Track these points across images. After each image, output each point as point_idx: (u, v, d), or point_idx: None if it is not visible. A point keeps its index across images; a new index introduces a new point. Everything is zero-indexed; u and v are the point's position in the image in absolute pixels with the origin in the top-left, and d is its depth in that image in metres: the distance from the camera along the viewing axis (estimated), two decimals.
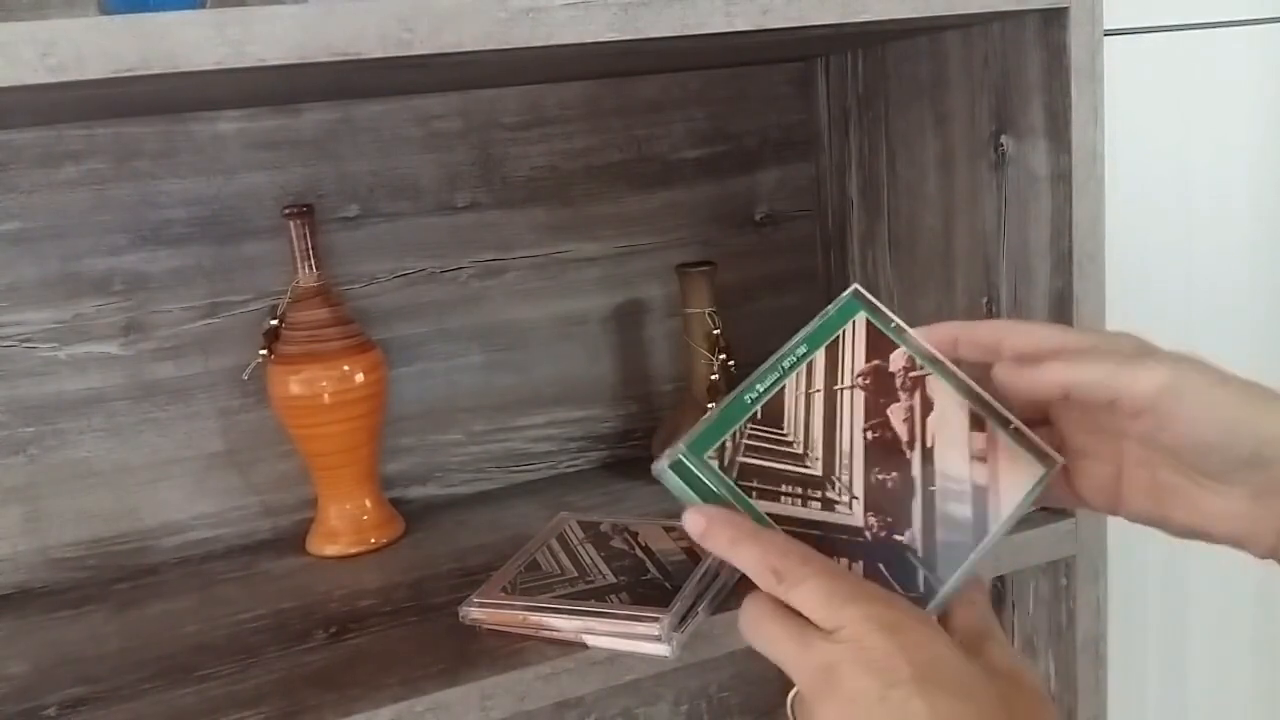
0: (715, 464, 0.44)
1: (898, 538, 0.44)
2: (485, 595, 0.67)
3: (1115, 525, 0.73)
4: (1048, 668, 0.80)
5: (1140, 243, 1.08)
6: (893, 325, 0.50)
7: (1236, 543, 0.46)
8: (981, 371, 0.51)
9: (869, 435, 0.46)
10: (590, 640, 0.63)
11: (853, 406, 0.47)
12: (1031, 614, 0.81)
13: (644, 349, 0.97)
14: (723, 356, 0.85)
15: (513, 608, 0.65)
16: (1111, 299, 0.71)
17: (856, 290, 0.50)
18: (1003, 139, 0.74)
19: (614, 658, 0.63)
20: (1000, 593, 0.83)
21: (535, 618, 0.64)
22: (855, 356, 0.48)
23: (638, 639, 0.62)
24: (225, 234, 0.82)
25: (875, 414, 0.47)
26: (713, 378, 0.85)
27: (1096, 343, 0.47)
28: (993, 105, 0.75)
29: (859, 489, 0.45)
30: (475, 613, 0.66)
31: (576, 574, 0.69)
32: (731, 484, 0.44)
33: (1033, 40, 0.70)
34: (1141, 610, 1.17)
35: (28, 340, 0.79)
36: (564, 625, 0.64)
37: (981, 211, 0.77)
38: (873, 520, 0.45)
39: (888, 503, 0.45)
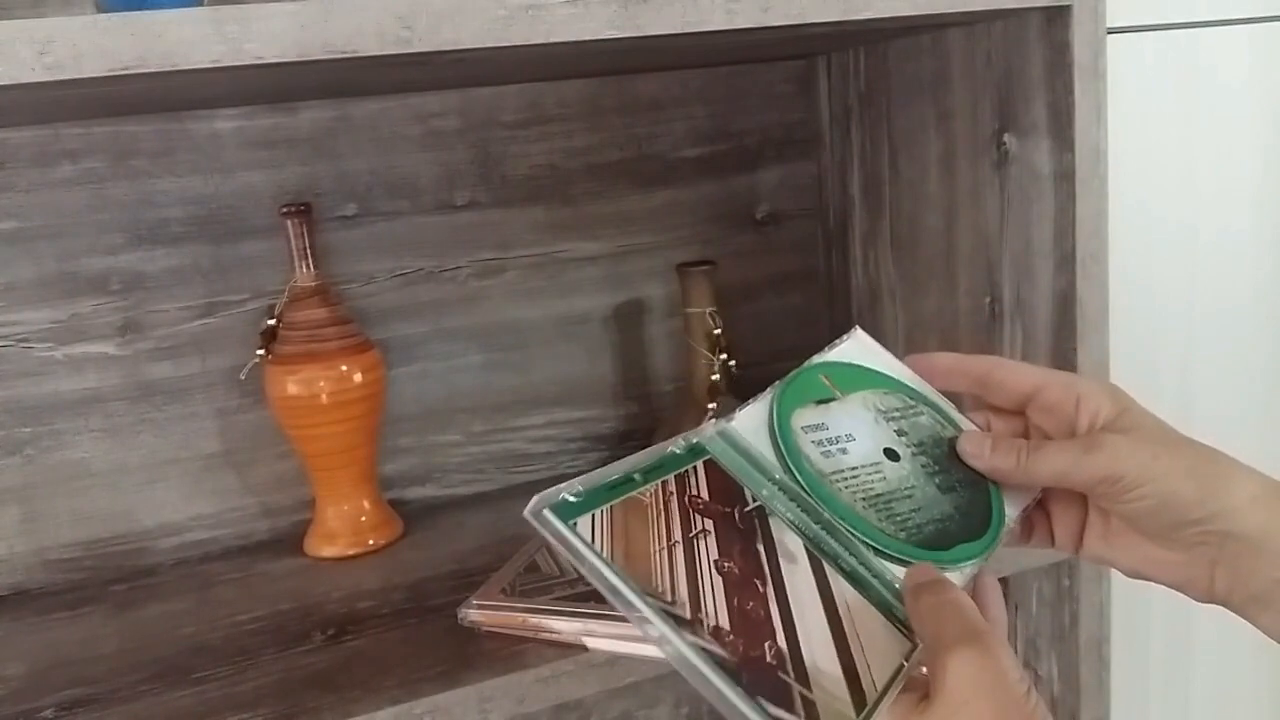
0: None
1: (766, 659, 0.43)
2: (484, 597, 0.67)
3: None
4: (1050, 669, 0.80)
5: (1143, 242, 1.08)
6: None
7: (1176, 587, 0.51)
8: (969, 401, 0.57)
9: (724, 567, 0.46)
10: (590, 642, 0.62)
11: (706, 548, 0.46)
12: (1034, 616, 0.80)
13: (644, 349, 0.96)
14: (723, 356, 0.84)
15: (512, 609, 0.65)
16: (1114, 298, 0.71)
17: (721, 431, 0.50)
18: (1005, 137, 0.74)
19: (614, 660, 0.62)
20: (1003, 594, 0.82)
21: (535, 619, 0.64)
22: (701, 493, 0.48)
23: (638, 641, 0.61)
24: (222, 233, 0.82)
25: (725, 552, 0.46)
26: (713, 378, 0.84)
27: (1071, 381, 0.53)
28: (995, 103, 0.74)
29: (724, 620, 0.43)
30: (474, 614, 0.66)
31: (576, 575, 0.68)
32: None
33: (1035, 38, 0.69)
34: (1144, 612, 1.16)
35: (24, 340, 0.79)
36: (563, 627, 0.63)
37: (984, 210, 0.77)
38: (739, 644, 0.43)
39: (751, 626, 0.44)
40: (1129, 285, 1.02)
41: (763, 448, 0.51)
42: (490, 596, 0.67)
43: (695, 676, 0.40)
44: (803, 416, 0.52)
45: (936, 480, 0.53)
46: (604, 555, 0.43)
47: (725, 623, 0.42)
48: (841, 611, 0.45)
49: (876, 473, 0.52)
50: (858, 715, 0.41)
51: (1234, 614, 0.49)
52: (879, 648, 0.44)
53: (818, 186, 1.00)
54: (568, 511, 0.44)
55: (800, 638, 0.43)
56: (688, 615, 0.42)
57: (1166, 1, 1.03)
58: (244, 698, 0.61)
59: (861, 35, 0.80)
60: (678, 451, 0.49)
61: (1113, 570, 0.75)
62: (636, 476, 0.47)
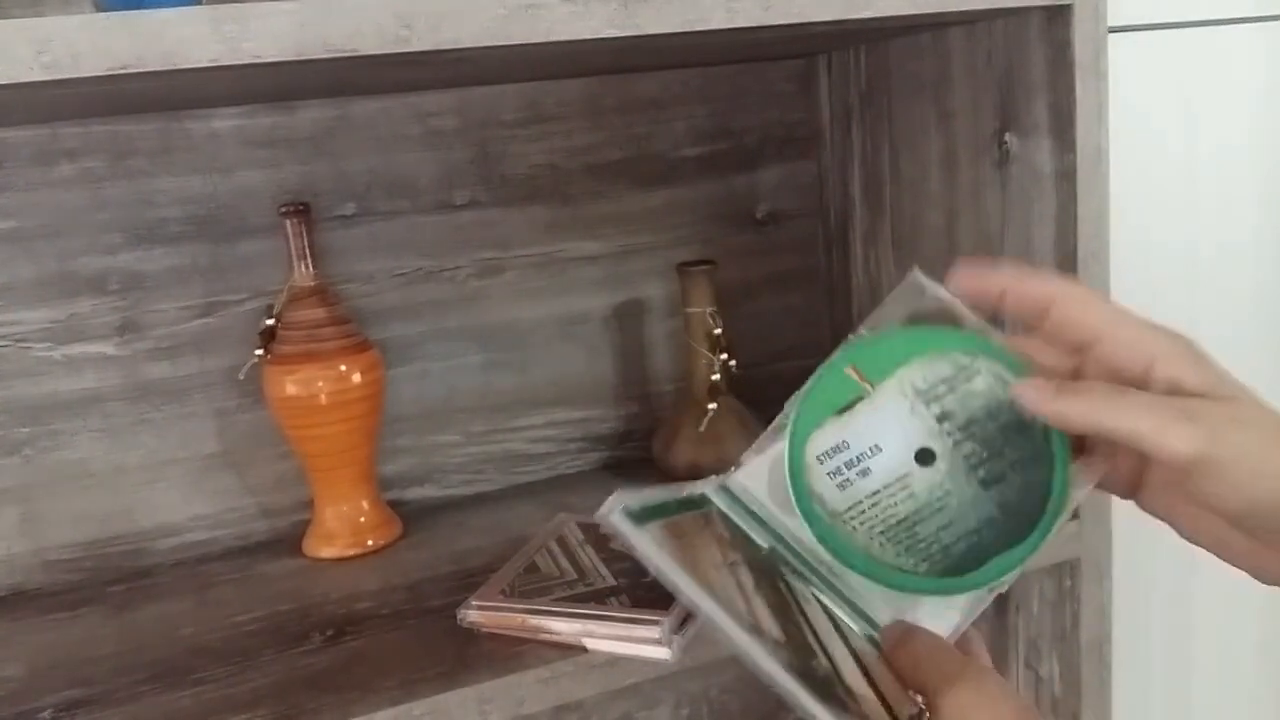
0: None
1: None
2: (484, 597, 0.66)
3: (1120, 527, 0.72)
4: (1052, 670, 0.80)
5: (1145, 241, 1.07)
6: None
7: (1244, 570, 0.45)
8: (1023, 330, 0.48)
9: (761, 591, 0.47)
10: (590, 643, 0.62)
11: (742, 576, 0.47)
12: (1036, 616, 0.80)
13: (644, 349, 0.96)
14: (724, 356, 0.84)
15: (512, 610, 0.65)
16: (1116, 298, 0.71)
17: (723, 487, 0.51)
18: (1006, 136, 0.74)
19: (614, 661, 0.62)
20: (1004, 595, 0.82)
21: (534, 620, 0.64)
22: (723, 532, 0.49)
23: (638, 642, 0.61)
24: (221, 233, 0.82)
25: (758, 582, 0.47)
26: (713, 378, 0.84)
27: (1142, 338, 0.43)
28: (996, 102, 0.74)
29: (778, 633, 0.44)
30: (474, 615, 0.66)
31: (576, 576, 0.68)
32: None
33: (1036, 37, 0.69)
34: (1146, 612, 1.16)
35: (23, 340, 0.78)
36: (563, 628, 0.63)
37: (985, 210, 0.77)
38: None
39: (798, 644, 0.45)
40: (1130, 285, 1.02)
41: (764, 500, 0.50)
42: (490, 597, 0.66)
43: (770, 681, 0.41)
44: (819, 441, 0.48)
45: (981, 472, 0.47)
46: (676, 563, 0.44)
47: (780, 636, 0.43)
48: (858, 649, 0.46)
49: (903, 489, 0.47)
50: None
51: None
52: (892, 689, 0.44)
53: (818, 186, 0.99)
54: (638, 517, 0.46)
55: (838, 662, 0.44)
56: (753, 624, 0.43)
57: (1167, 1, 1.03)
58: (243, 698, 0.61)
59: (862, 34, 0.79)
60: (693, 496, 0.50)
61: (1113, 570, 0.75)
62: (671, 504, 0.48)
